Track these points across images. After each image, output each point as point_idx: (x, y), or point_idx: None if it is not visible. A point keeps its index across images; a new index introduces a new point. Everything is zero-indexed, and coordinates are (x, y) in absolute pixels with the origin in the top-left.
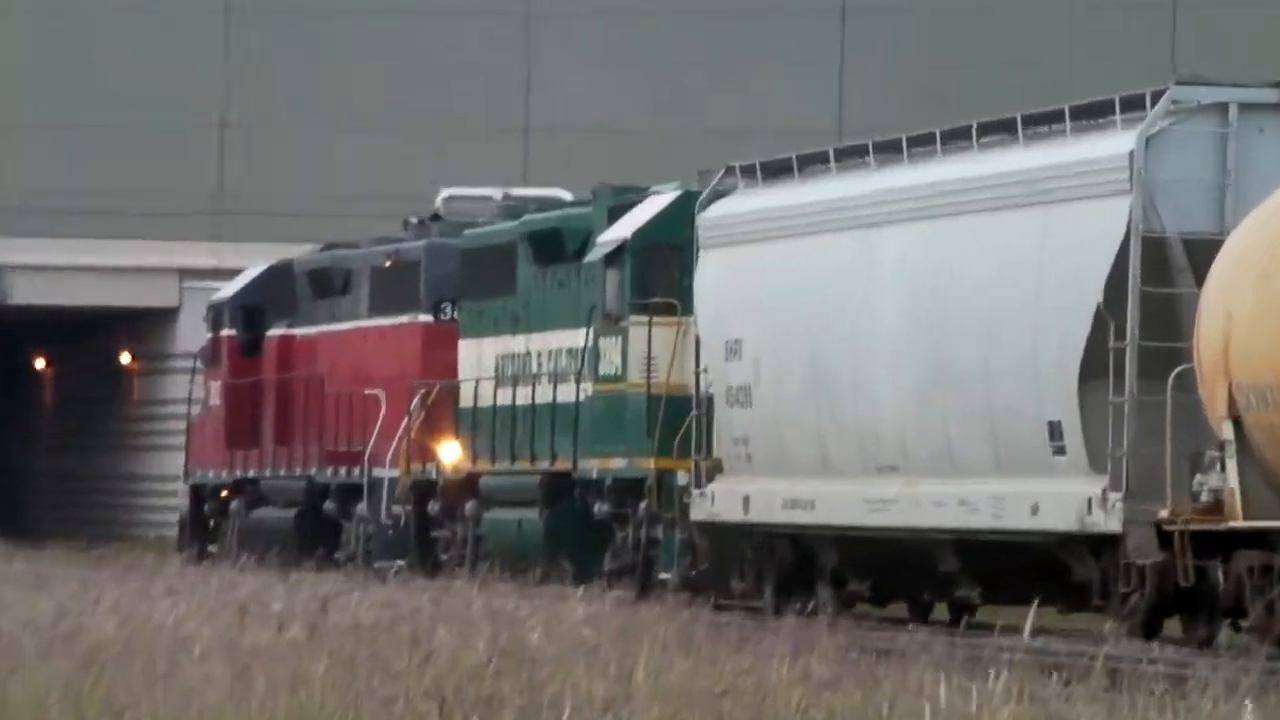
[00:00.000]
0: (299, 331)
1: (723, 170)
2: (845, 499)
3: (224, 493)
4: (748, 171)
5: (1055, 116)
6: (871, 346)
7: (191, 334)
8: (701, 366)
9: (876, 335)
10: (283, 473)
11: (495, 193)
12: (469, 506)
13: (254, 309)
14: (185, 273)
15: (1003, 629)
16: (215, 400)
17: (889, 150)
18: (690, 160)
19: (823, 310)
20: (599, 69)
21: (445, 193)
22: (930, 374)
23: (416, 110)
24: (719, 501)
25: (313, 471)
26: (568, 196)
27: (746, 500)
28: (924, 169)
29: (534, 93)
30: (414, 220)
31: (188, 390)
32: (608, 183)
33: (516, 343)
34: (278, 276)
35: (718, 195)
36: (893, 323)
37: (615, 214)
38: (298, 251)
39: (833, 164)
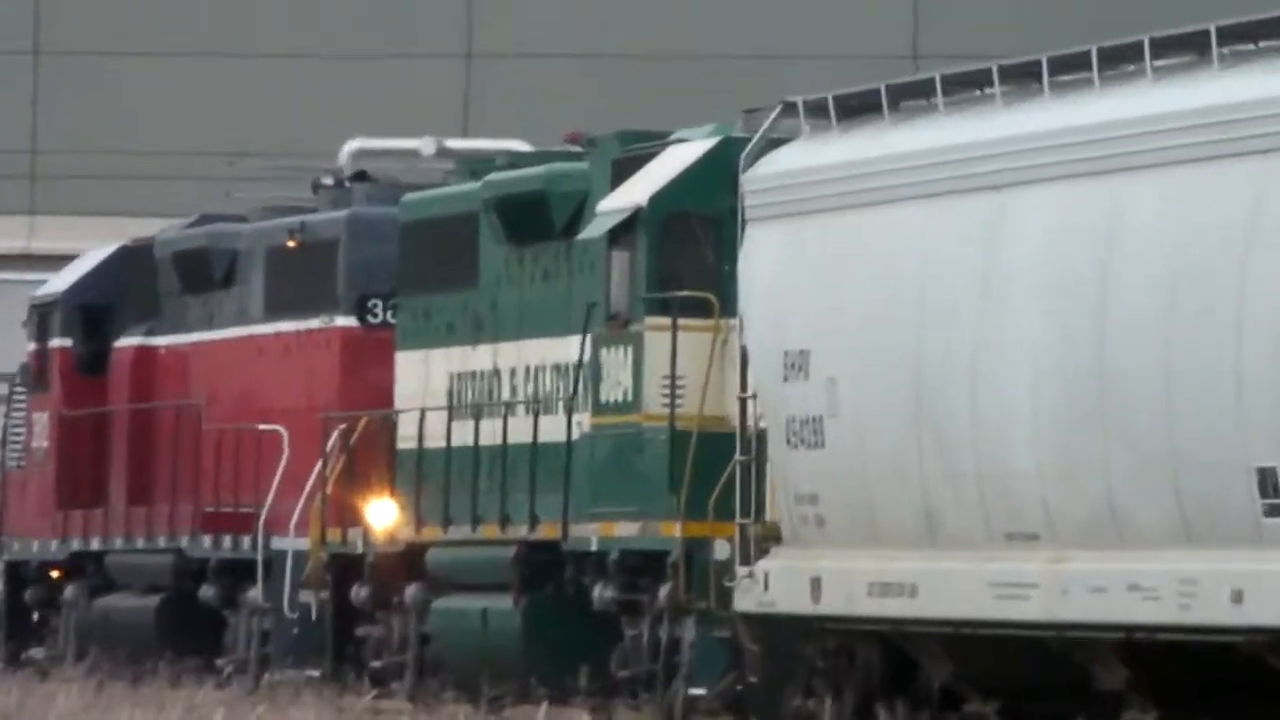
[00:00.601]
0: (163, 341)
1: (779, 108)
2: (962, 582)
3: (54, 573)
4: (815, 110)
5: (1269, 28)
6: (1000, 361)
7: None
8: (750, 390)
9: (1007, 345)
10: (140, 543)
11: (424, 144)
12: (411, 592)
13: (97, 309)
14: None
15: None
16: (41, 440)
17: (1022, 79)
18: (709, 98)
19: (929, 309)
20: None
21: (353, 145)
22: (1085, 401)
23: (312, 31)
24: (776, 585)
25: (183, 542)
26: (526, 150)
27: (816, 583)
28: (1074, 106)
29: (479, 1)
30: (327, 182)
31: None
32: (579, 133)
33: (480, 356)
34: (131, 263)
35: (772, 144)
36: (1031, 327)
37: (623, 171)
38: (154, 228)
39: (939, 98)
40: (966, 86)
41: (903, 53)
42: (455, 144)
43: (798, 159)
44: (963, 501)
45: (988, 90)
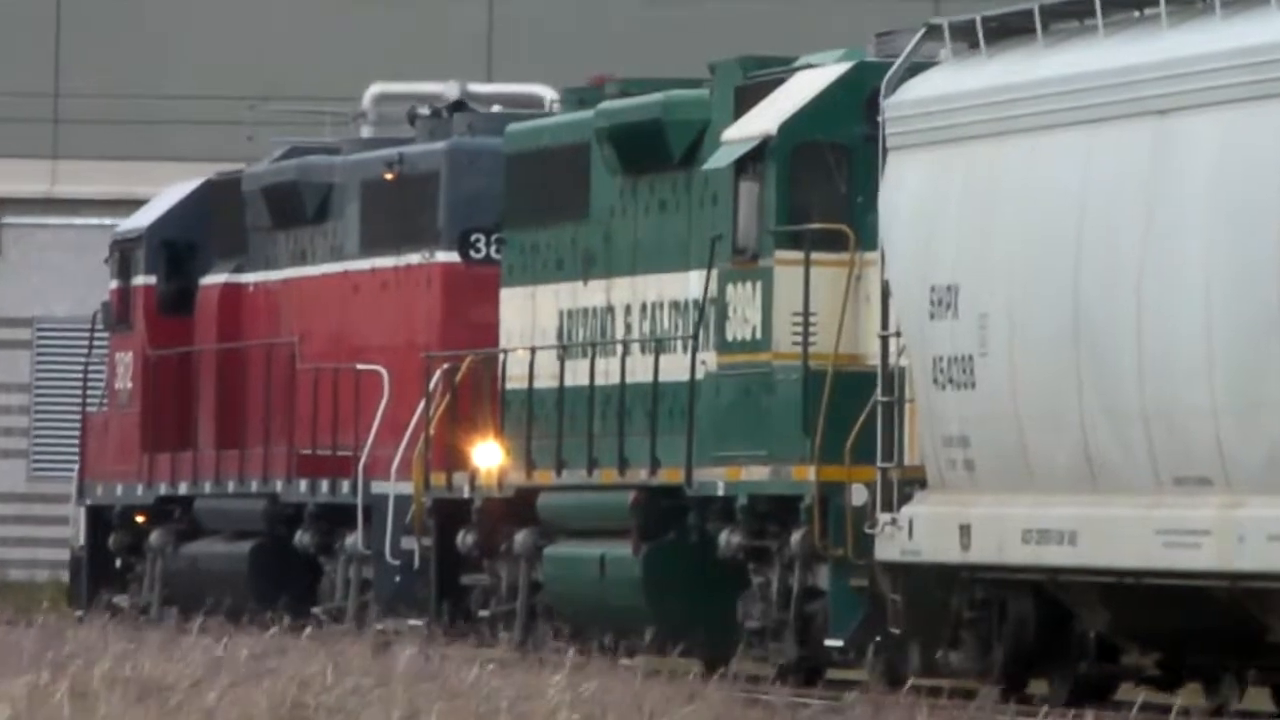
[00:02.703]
0: (252, 278)
1: (922, 30)
2: (1126, 528)
3: (139, 518)
4: (961, 32)
5: None
6: (1168, 294)
7: (16, 291)
8: (892, 328)
9: (1176, 277)
10: (231, 488)
11: (448, 88)
12: (521, 539)
13: (182, 245)
14: (6, 204)
15: None
16: (125, 381)
17: None
18: (729, 41)
19: (1088, 240)
20: None
21: (375, 88)
22: (1264, 335)
23: None
24: (921, 532)
25: (278, 486)
26: (550, 95)
27: (966, 530)
28: (1248, 24)
29: None
30: (425, 112)
31: (82, 364)
32: (605, 76)
33: (592, 293)
34: (216, 198)
35: (914, 69)
36: (1202, 257)
37: (748, 98)
38: (175, 173)
39: (1099, 19)
40: (1129, 5)
41: None
42: (479, 88)
43: (944, 84)
44: (1127, 443)
45: (1149, 11)
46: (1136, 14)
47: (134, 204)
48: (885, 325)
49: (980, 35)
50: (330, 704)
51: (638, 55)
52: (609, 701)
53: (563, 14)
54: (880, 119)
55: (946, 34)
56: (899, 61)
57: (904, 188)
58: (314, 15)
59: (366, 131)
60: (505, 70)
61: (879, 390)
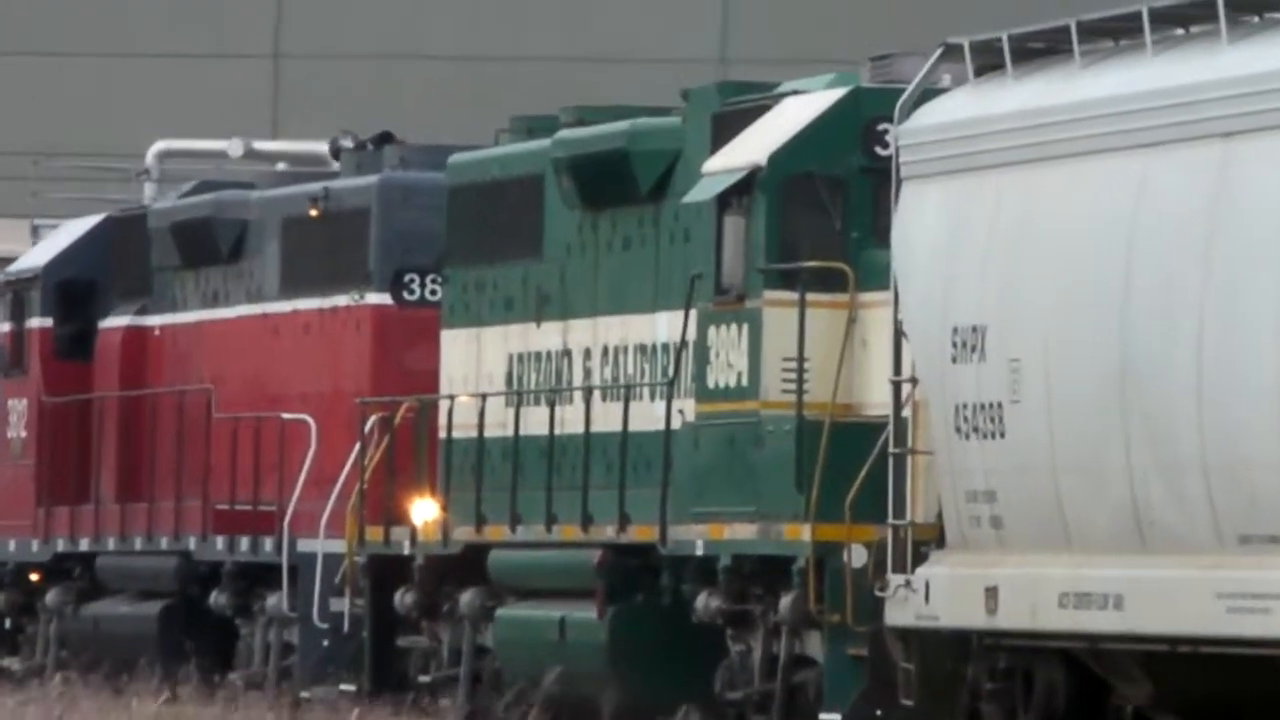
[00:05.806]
0: (157, 321)
1: (938, 51)
2: (1181, 591)
3: (34, 576)
4: (984, 51)
5: None
6: (1234, 336)
7: None
8: (906, 372)
9: (1243, 317)
10: (138, 545)
11: (231, 146)
12: (467, 599)
13: (81, 286)
14: None
15: None
16: (19, 430)
17: (1246, 11)
18: (529, 100)
19: (1139, 277)
20: None
21: (159, 145)
22: None
23: (120, 31)
24: (940, 595)
25: (191, 544)
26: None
27: (992, 593)
28: None
29: (288, 2)
30: (347, 144)
31: None
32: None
33: (546, 335)
34: (118, 235)
35: (930, 94)
36: (1274, 296)
37: (726, 127)
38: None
39: (1147, 37)
40: (1179, 21)
41: (711, 56)
42: (264, 145)
43: (967, 108)
44: (1183, 499)
45: (1200, 28)
46: (1181, 32)
47: None
48: (898, 370)
49: (1006, 54)
50: None
51: (425, 116)
52: None
53: (349, 75)
54: (893, 146)
55: (967, 54)
56: (914, 84)
57: (921, 220)
58: (101, 71)
59: (149, 189)
60: (291, 130)
61: (890, 441)
